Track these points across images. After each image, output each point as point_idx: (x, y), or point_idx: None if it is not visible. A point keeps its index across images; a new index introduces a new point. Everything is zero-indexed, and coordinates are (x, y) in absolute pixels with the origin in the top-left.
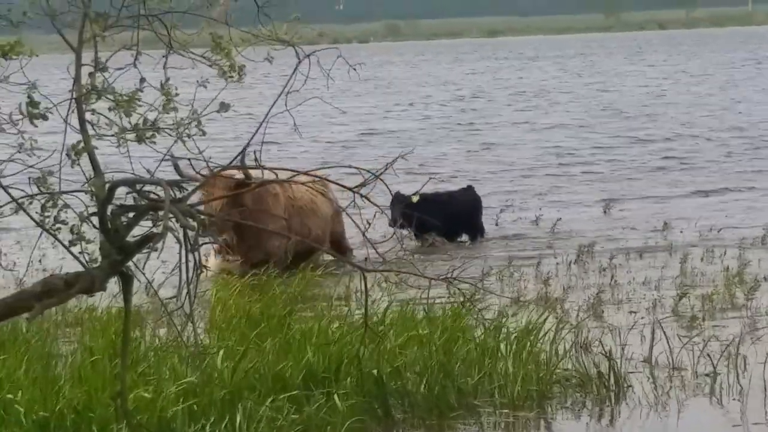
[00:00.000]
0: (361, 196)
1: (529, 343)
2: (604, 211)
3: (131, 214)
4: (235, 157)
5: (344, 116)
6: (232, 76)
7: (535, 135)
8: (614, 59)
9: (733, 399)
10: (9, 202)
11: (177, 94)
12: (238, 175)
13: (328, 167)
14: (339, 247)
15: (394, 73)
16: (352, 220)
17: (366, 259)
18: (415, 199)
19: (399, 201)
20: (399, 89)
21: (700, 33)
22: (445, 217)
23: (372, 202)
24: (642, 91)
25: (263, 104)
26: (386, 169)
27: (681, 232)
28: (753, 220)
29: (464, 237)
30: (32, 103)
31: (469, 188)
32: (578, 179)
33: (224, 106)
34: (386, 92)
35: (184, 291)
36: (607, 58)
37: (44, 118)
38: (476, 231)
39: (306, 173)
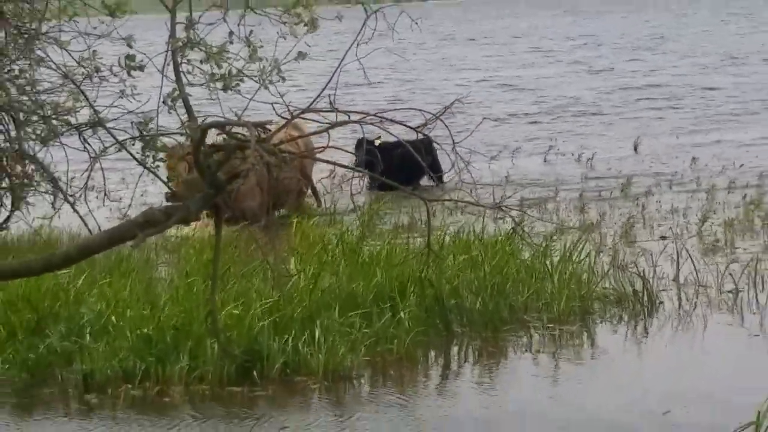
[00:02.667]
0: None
1: (571, 265)
2: (635, 149)
3: (221, 153)
4: (312, 101)
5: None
6: (312, 30)
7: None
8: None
9: (752, 312)
10: (113, 144)
11: (261, 46)
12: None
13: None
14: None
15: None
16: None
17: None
18: (377, 142)
19: (362, 145)
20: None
21: None
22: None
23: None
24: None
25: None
26: (444, 112)
27: (706, 165)
28: None
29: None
30: (129, 56)
31: (426, 138)
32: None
33: (302, 55)
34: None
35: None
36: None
37: (141, 69)
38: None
39: (375, 115)
